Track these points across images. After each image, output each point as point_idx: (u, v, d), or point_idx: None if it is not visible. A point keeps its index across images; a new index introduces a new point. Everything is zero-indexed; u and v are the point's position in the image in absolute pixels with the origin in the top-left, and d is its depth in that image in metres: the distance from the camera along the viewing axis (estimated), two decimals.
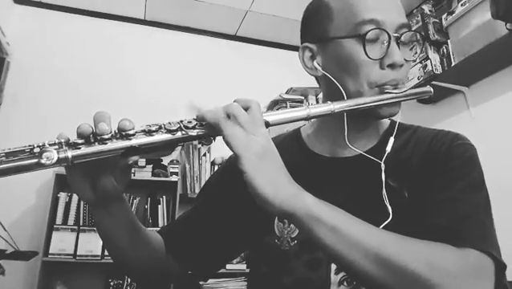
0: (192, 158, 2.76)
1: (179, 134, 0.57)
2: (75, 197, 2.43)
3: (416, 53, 0.78)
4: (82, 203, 2.43)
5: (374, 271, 0.52)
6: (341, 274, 0.68)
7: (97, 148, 0.54)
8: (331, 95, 0.71)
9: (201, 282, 2.44)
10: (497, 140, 2.13)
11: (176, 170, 2.67)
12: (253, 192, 0.53)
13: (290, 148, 0.80)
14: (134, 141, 0.55)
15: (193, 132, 0.57)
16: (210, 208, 0.83)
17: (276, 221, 0.75)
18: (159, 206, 2.62)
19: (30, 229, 2.49)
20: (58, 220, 2.37)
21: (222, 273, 2.41)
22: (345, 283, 0.68)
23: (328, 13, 0.72)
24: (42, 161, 0.51)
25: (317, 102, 2.57)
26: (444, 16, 2.34)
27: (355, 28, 0.68)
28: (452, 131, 0.74)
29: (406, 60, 0.69)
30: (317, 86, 0.81)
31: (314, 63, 0.74)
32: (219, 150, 2.76)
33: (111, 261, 0.77)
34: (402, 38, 0.69)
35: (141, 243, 0.73)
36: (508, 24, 1.91)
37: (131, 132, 0.55)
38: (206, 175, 2.75)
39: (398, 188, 0.69)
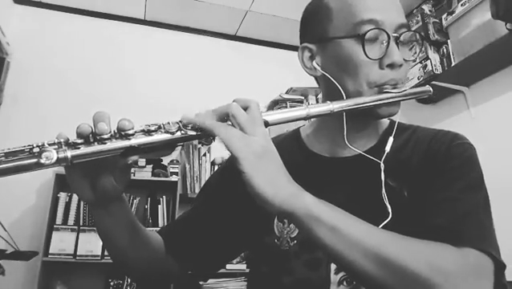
0: (192, 158, 2.76)
1: (178, 134, 0.57)
2: (75, 197, 2.42)
3: (415, 53, 0.78)
4: (82, 203, 2.43)
5: (374, 271, 0.52)
6: (341, 274, 0.68)
7: (96, 147, 0.54)
8: (331, 95, 0.71)
9: (201, 282, 2.44)
10: (497, 140, 2.13)
11: (176, 170, 2.67)
12: (253, 191, 0.53)
13: (290, 148, 0.80)
14: (133, 141, 0.55)
15: (193, 132, 0.57)
16: (210, 208, 0.83)
17: (276, 221, 0.75)
18: (159, 206, 2.61)
19: (30, 230, 2.49)
20: (58, 220, 2.37)
21: (222, 273, 2.41)
22: (345, 283, 0.68)
23: (327, 13, 0.72)
24: (42, 161, 0.51)
25: (317, 102, 2.56)
26: (444, 16, 2.34)
27: (354, 28, 0.68)
28: (451, 131, 0.74)
29: (405, 60, 0.69)
30: (317, 86, 0.81)
31: (314, 63, 0.74)
32: (219, 150, 2.75)
33: (111, 261, 0.77)
34: (401, 38, 0.69)
35: (141, 243, 0.73)
36: (508, 24, 1.91)
37: (130, 132, 0.55)
38: (206, 175, 2.75)
39: (398, 188, 0.69)
